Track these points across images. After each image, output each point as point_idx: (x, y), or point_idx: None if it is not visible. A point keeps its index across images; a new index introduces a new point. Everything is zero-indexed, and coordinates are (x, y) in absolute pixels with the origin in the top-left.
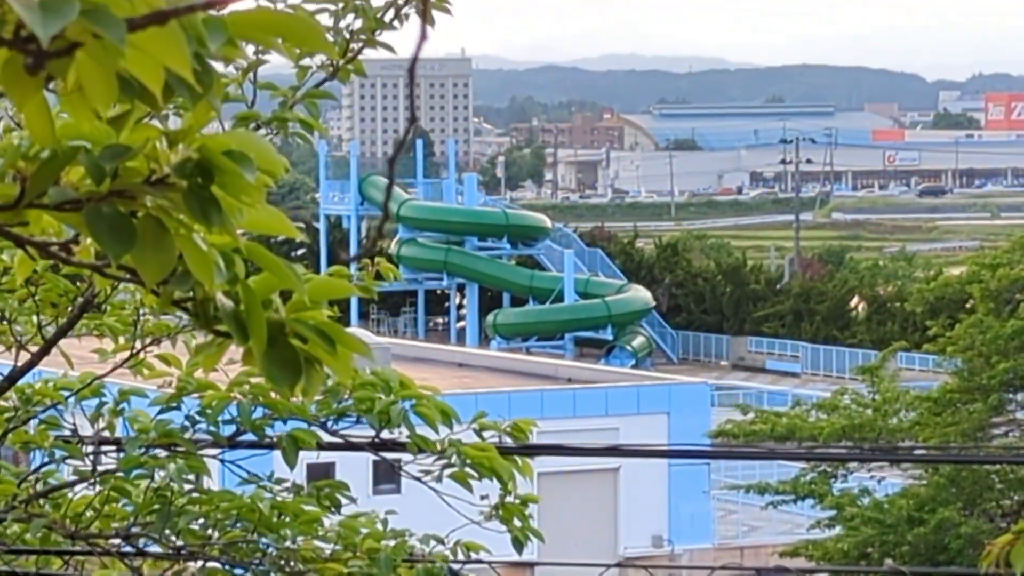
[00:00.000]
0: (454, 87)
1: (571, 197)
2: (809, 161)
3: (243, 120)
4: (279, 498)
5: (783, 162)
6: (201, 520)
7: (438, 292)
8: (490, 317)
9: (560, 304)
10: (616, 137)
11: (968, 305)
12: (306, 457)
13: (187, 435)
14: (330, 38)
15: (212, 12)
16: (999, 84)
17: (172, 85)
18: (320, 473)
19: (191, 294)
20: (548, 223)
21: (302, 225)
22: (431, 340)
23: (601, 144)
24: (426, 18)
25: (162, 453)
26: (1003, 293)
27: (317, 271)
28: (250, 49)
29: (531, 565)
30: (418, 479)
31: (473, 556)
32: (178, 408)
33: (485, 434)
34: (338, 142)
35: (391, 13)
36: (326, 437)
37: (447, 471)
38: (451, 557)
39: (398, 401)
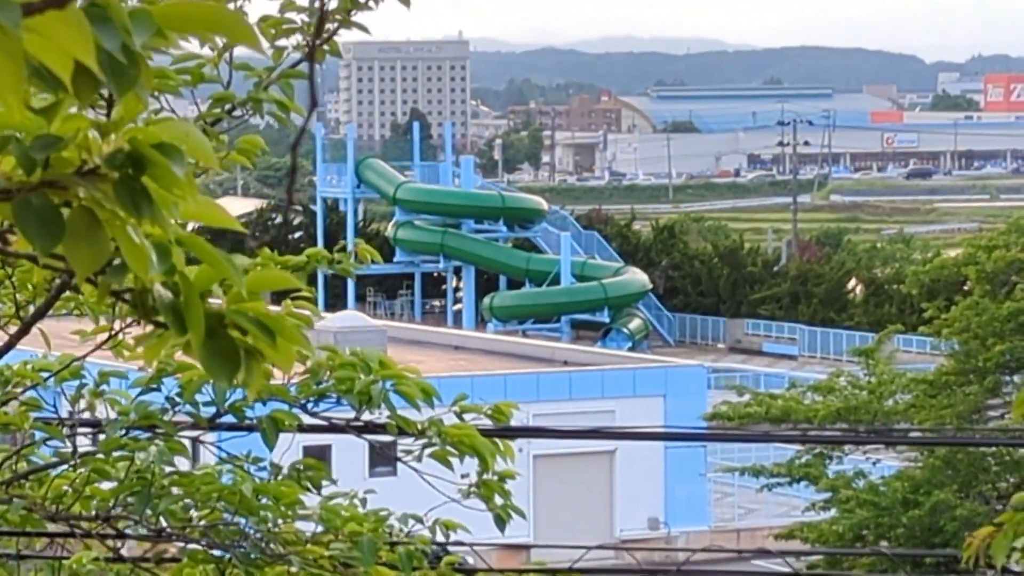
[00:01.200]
0: (451, 70)
1: (568, 180)
2: (807, 143)
3: (218, 101)
4: (259, 480)
5: (781, 144)
6: (183, 502)
7: (435, 275)
8: (486, 300)
9: (557, 287)
10: (614, 119)
11: (965, 287)
12: (301, 439)
13: (167, 416)
14: (305, 18)
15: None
16: (998, 66)
17: (96, 75)
18: (315, 455)
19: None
20: (545, 206)
21: (299, 208)
22: (428, 323)
23: (599, 127)
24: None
25: (143, 435)
26: (999, 275)
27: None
28: None
29: (527, 548)
30: (399, 459)
31: (453, 536)
32: (158, 389)
33: (467, 416)
34: (335, 125)
35: None
36: (307, 419)
37: (427, 451)
38: (431, 537)
39: (378, 381)
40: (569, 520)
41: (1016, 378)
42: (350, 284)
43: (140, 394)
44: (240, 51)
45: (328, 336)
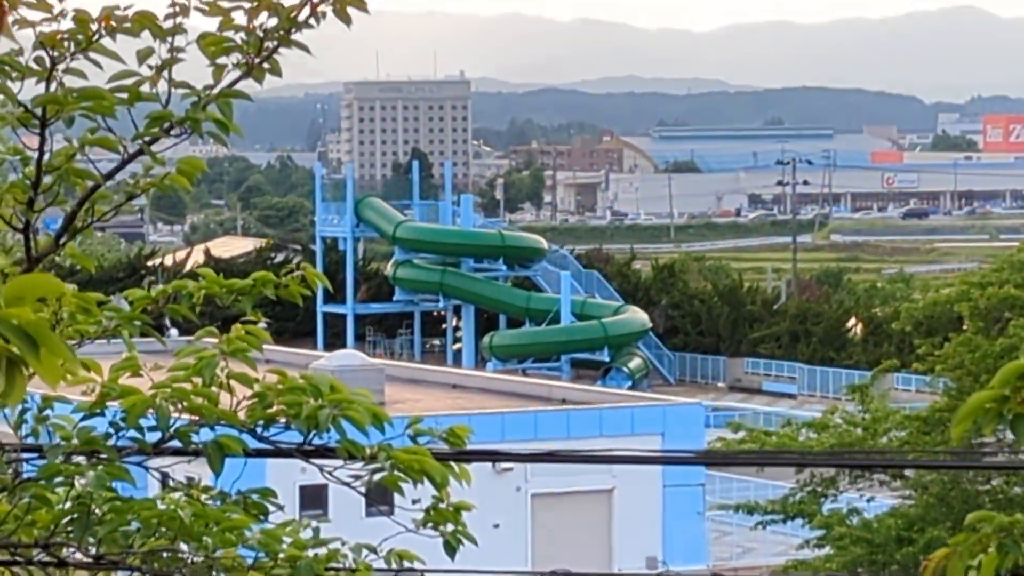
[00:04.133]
0: (453, 109)
1: (570, 219)
2: (807, 183)
3: (156, 120)
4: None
5: (781, 184)
6: (122, 528)
7: (434, 314)
8: (486, 338)
9: (557, 326)
10: (615, 159)
11: (964, 326)
12: (298, 480)
13: (111, 442)
14: (243, 36)
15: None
16: (997, 106)
17: None
18: (312, 496)
19: None
20: (544, 244)
21: (298, 247)
22: (427, 362)
23: (600, 166)
24: (343, 16)
25: (86, 461)
26: (992, 312)
27: (313, 292)
28: (163, 48)
29: None
30: (347, 484)
31: (407, 565)
32: (102, 414)
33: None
34: (337, 164)
35: (306, 11)
36: (254, 444)
37: (377, 475)
38: (385, 566)
39: (325, 405)
40: (567, 559)
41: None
42: (349, 323)
43: (83, 419)
44: (179, 68)
45: (325, 376)
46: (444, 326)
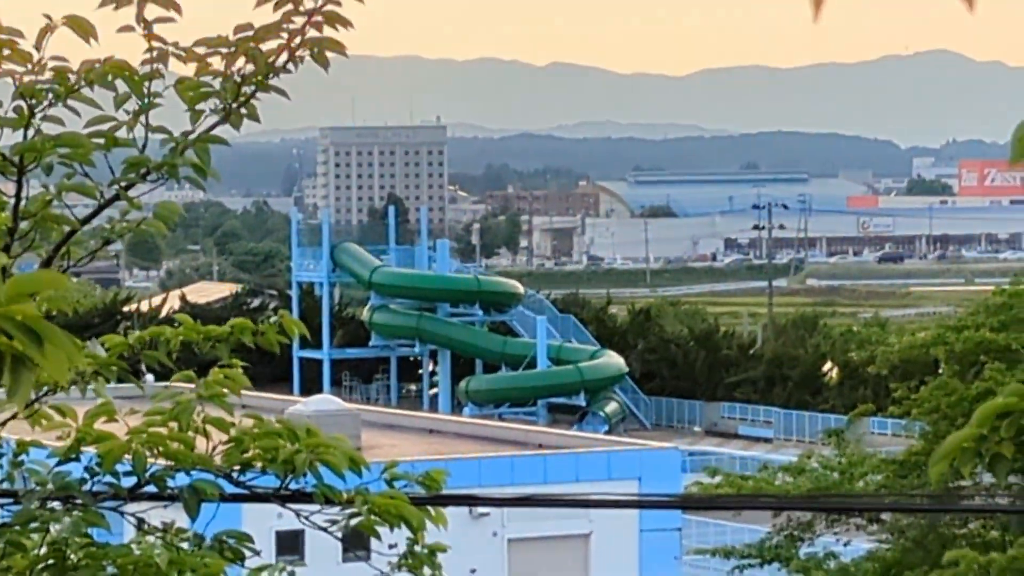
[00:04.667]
0: (429, 154)
1: (547, 264)
2: (782, 227)
3: (133, 166)
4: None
5: (757, 228)
6: (100, 574)
7: (411, 359)
8: (463, 383)
9: (533, 370)
10: (591, 204)
11: (940, 370)
12: (274, 525)
13: (86, 487)
14: (221, 82)
15: None
16: (972, 150)
17: None
18: (288, 541)
19: None
20: (520, 289)
21: (274, 292)
22: (404, 407)
23: (576, 211)
24: (322, 60)
25: (61, 506)
26: (968, 356)
27: (289, 340)
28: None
29: None
30: (324, 529)
31: None
32: (77, 460)
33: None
34: (313, 210)
35: (283, 57)
36: (230, 488)
37: (354, 520)
38: None
39: (302, 450)
40: None
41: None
42: (326, 368)
43: (58, 464)
44: (156, 113)
45: (301, 420)
46: (420, 371)
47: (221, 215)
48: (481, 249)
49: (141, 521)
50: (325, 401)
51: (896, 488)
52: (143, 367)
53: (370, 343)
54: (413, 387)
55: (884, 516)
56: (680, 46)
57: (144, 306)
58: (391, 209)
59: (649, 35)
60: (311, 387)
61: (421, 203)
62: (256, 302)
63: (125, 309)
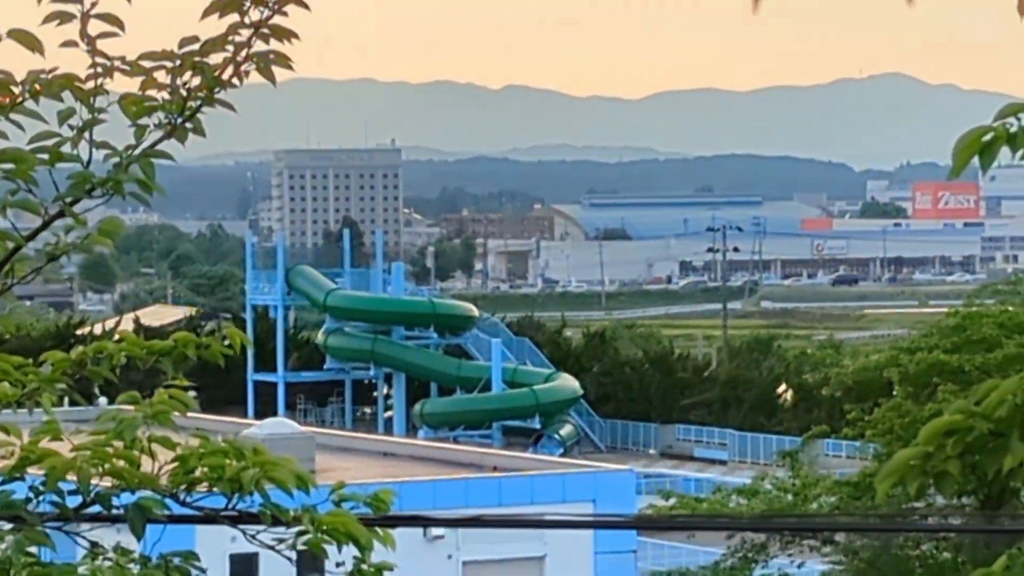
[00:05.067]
0: (384, 178)
1: (501, 287)
2: (737, 250)
3: (77, 181)
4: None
5: (712, 251)
6: None
7: (365, 382)
8: (417, 406)
9: (488, 393)
10: (546, 227)
11: (894, 391)
12: (228, 548)
13: (31, 506)
14: (166, 95)
15: None
16: (926, 173)
17: None
18: (242, 564)
19: None
20: (475, 312)
21: (228, 315)
22: (358, 430)
23: (531, 234)
24: (267, 75)
25: (6, 526)
26: (921, 377)
27: (244, 360)
28: (85, 108)
29: None
30: (272, 548)
31: None
32: (22, 479)
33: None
34: (268, 233)
35: (230, 70)
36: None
37: (302, 539)
38: None
39: (249, 467)
40: None
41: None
42: (280, 391)
43: (2, 483)
44: (101, 129)
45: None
46: (375, 394)
47: (175, 238)
48: (436, 272)
49: (94, 544)
50: (279, 424)
51: (850, 509)
52: (96, 389)
53: (325, 366)
54: (368, 410)
55: (838, 537)
56: (635, 69)
57: (97, 329)
58: (346, 232)
59: (604, 58)
60: (266, 410)
61: (376, 226)
62: (210, 325)
63: (78, 333)
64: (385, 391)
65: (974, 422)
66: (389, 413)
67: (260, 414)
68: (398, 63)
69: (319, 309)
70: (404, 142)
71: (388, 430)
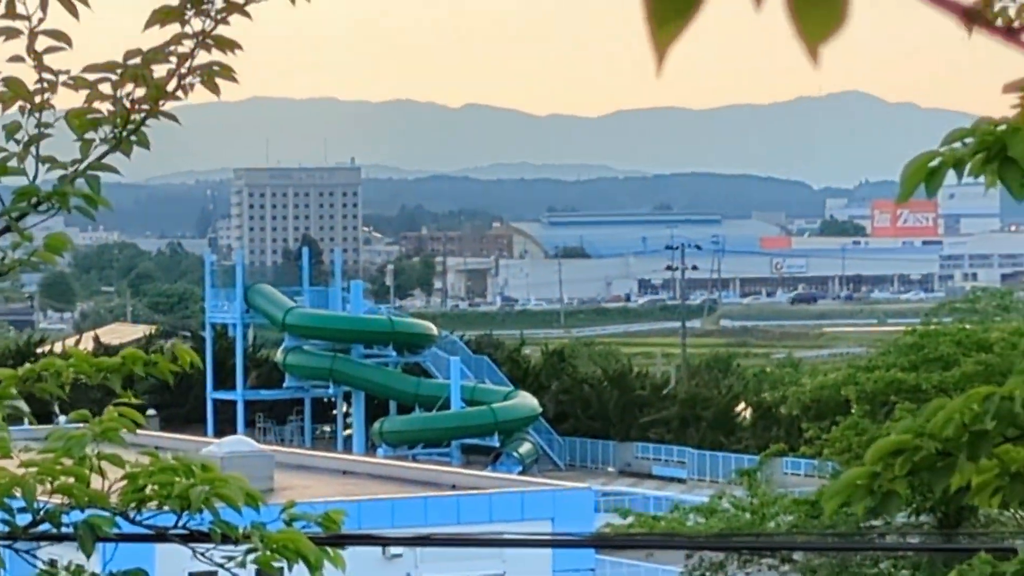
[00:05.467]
0: (344, 196)
1: (461, 305)
2: (696, 268)
3: (23, 195)
4: None
5: (670, 269)
6: None
7: (325, 400)
8: (376, 425)
9: (447, 411)
10: (505, 245)
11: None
12: (188, 567)
13: None
14: (110, 107)
15: None
16: (885, 191)
17: None
18: None
19: None
20: (434, 330)
21: (188, 333)
22: (318, 448)
23: (490, 252)
24: (211, 87)
25: None
26: (878, 395)
27: (203, 379)
28: (31, 123)
29: None
30: (221, 566)
31: None
32: None
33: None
34: (227, 251)
35: (174, 82)
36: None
37: (251, 556)
38: None
39: (197, 484)
40: None
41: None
42: (239, 410)
43: None
44: (47, 144)
45: (215, 462)
46: (334, 412)
47: (135, 257)
48: (395, 290)
49: (52, 563)
50: (238, 442)
51: (808, 528)
52: (56, 408)
53: (284, 384)
54: (327, 428)
55: (796, 556)
56: (594, 88)
57: (57, 347)
58: (305, 250)
59: (563, 77)
60: (225, 429)
61: (336, 244)
62: (169, 343)
63: (38, 351)
64: (344, 409)
65: (921, 442)
66: (348, 431)
67: (220, 432)
68: (358, 82)
69: (278, 327)
70: (364, 160)
71: (347, 448)
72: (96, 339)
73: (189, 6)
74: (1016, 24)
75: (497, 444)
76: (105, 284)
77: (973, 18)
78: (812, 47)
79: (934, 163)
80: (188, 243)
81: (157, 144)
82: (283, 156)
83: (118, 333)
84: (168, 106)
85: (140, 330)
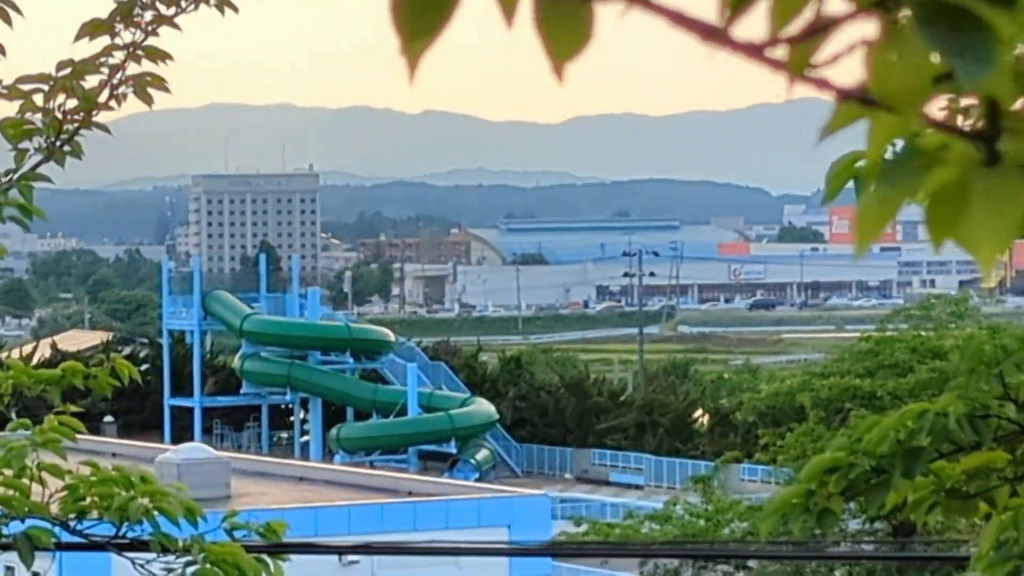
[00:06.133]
0: (301, 202)
1: (419, 312)
2: (653, 275)
3: None
4: None
5: (628, 275)
6: None
7: (282, 407)
8: (333, 431)
9: (404, 418)
10: (463, 252)
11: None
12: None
13: None
14: (41, 118)
15: None
16: (843, 198)
17: None
18: None
19: None
20: (391, 337)
21: (145, 340)
22: (275, 454)
23: (448, 259)
24: (144, 97)
25: None
26: (834, 402)
27: (160, 385)
28: None
29: None
30: None
31: None
32: None
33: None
34: (185, 258)
35: (106, 93)
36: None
37: (190, 569)
38: None
39: (137, 497)
40: None
41: (852, 505)
42: (196, 416)
43: None
44: None
45: (171, 468)
46: (291, 419)
47: (93, 263)
48: (353, 297)
49: (10, 569)
50: (195, 449)
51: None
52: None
53: (241, 391)
54: (284, 435)
55: (751, 563)
56: (551, 94)
57: (15, 354)
58: (263, 257)
59: (521, 83)
60: (182, 435)
61: (293, 251)
62: (127, 350)
63: None
64: (301, 416)
65: (856, 459)
66: (306, 438)
67: (177, 439)
68: (316, 88)
69: (235, 334)
70: (322, 167)
71: (304, 455)
72: (53, 345)
73: (119, 19)
74: (758, 42)
75: (454, 451)
76: (63, 291)
77: (715, 36)
78: (558, 65)
79: (861, 163)
80: (146, 250)
81: (115, 151)
82: (241, 162)
83: (75, 340)
84: (127, 111)
85: (98, 336)
